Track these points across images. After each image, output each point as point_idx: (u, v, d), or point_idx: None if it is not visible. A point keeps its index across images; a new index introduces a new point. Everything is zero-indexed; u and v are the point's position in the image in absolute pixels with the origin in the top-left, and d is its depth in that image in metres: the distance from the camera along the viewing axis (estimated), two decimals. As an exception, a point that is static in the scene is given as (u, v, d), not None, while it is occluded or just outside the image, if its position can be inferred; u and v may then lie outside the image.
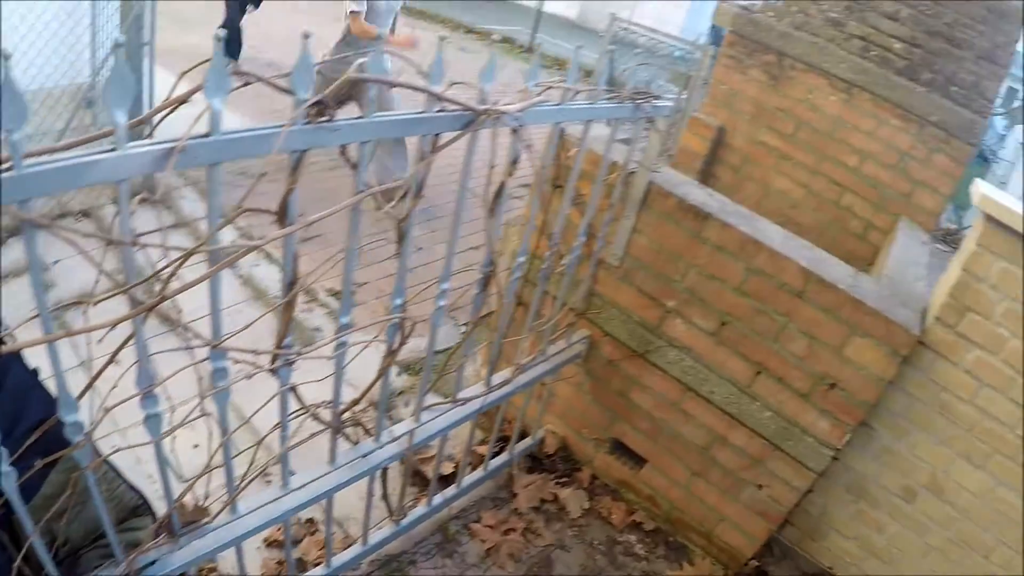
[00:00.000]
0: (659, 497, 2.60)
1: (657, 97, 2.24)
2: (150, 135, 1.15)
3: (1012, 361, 2.26)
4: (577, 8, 18.89)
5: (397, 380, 2.97)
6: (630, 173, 2.33)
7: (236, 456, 1.56)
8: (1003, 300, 2.22)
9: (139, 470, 1.93)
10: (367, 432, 1.88)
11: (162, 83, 1.06)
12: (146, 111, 3.86)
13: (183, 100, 1.05)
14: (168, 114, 1.06)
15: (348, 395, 1.71)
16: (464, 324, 3.16)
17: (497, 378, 2.23)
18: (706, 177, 3.78)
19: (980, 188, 2.23)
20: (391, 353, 1.76)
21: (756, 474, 2.41)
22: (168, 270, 1.11)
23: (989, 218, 2.18)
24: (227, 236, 3.34)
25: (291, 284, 1.37)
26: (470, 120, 1.50)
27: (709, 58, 4.33)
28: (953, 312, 2.26)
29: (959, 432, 2.33)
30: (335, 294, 3.38)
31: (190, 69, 1.08)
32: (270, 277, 3.44)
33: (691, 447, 2.47)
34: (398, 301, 1.68)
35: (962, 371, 2.29)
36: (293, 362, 1.50)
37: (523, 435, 2.58)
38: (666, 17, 16.74)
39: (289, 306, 1.40)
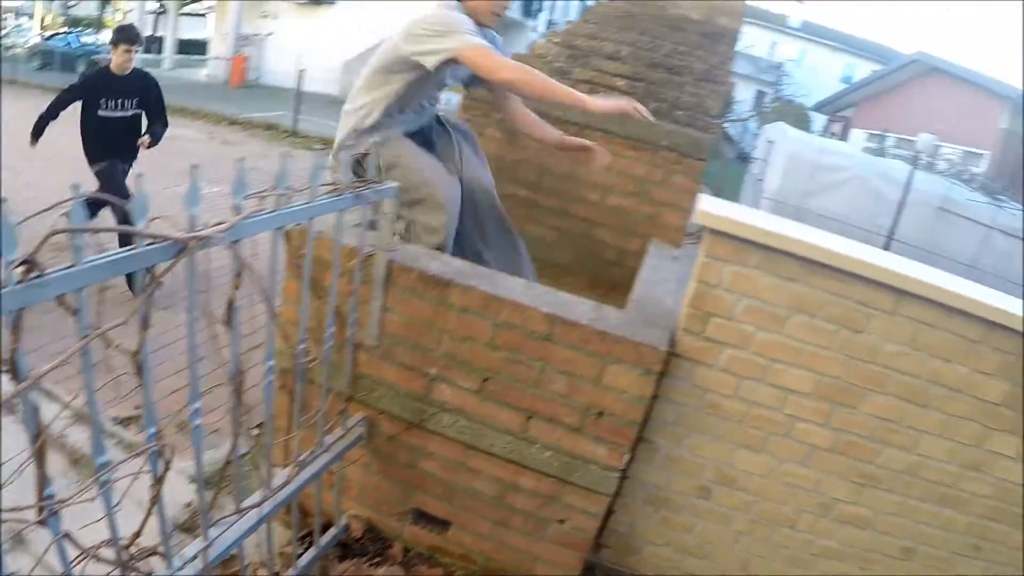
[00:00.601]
0: (472, 553, 2.52)
1: (377, 182, 2.21)
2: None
3: (762, 351, 2.30)
4: (339, 84, 18.89)
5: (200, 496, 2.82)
6: (369, 256, 2.30)
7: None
8: (741, 299, 2.26)
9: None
10: (164, 558, 1.82)
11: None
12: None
13: None
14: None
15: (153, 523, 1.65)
16: (256, 427, 3.09)
17: (279, 479, 2.18)
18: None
19: (699, 204, 2.27)
20: (157, 481, 1.70)
21: (554, 510, 2.36)
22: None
23: (712, 230, 2.23)
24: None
25: (35, 437, 1.32)
26: (181, 248, 1.46)
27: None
28: (697, 321, 2.29)
29: (732, 425, 2.37)
30: (122, 422, 3.13)
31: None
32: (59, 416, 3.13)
33: (487, 500, 2.41)
34: (151, 430, 1.62)
35: (719, 371, 2.32)
36: (57, 511, 1.45)
37: (328, 525, 2.51)
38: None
39: (40, 459, 1.34)
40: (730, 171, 14.76)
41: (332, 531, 2.49)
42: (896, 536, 2.53)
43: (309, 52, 19.01)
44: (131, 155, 4.87)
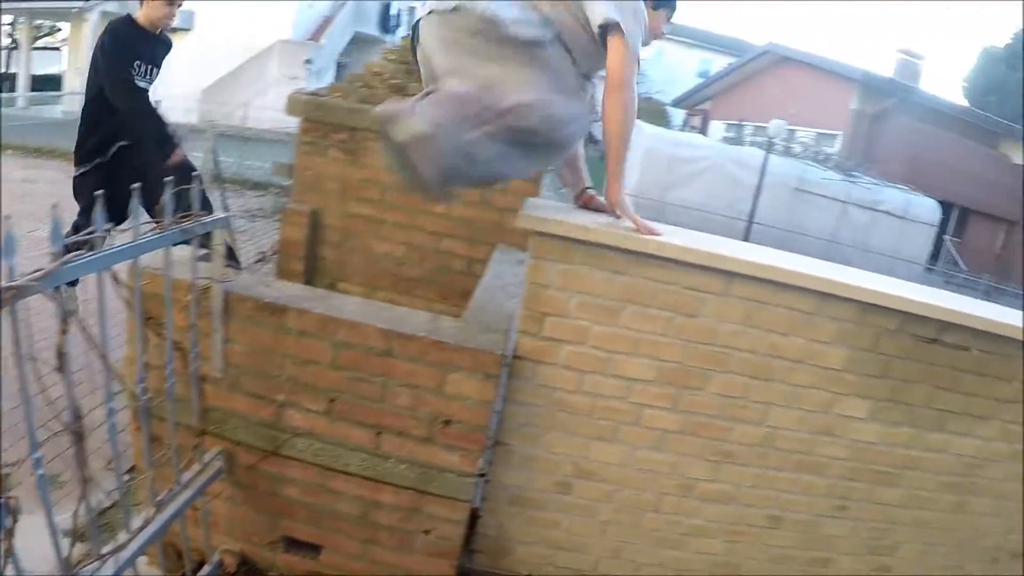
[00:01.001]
0: (346, 574, 2.51)
1: (204, 215, 2.20)
2: None
3: (601, 344, 2.33)
4: (198, 113, 18.63)
5: (76, 549, 2.77)
6: (205, 288, 2.28)
7: None
8: (573, 297, 2.29)
9: None
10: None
11: None
12: None
13: None
14: None
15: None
16: (128, 473, 3.04)
17: (137, 521, 2.15)
18: (314, 261, 3.74)
19: (522, 210, 2.32)
20: (8, 535, 1.68)
21: (418, 522, 2.35)
22: None
23: (535, 232, 2.26)
24: None
25: None
26: (-4, 300, 1.43)
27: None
28: (533, 321, 2.30)
29: (582, 419, 2.37)
30: (-11, 481, 3.05)
31: None
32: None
33: (352, 519, 2.39)
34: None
35: (561, 368, 2.33)
36: None
37: (202, 563, 2.48)
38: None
39: None
40: (593, 170, 15.51)
41: (206, 568, 2.46)
42: (760, 507, 2.59)
43: (166, 81, 18.67)
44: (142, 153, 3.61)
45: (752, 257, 2.38)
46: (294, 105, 3.57)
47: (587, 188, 2.52)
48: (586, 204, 2.49)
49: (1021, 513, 2.87)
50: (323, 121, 3.51)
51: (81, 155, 3.65)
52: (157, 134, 3.64)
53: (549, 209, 2.34)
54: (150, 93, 3.71)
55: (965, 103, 25.40)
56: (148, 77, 3.72)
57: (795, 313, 2.40)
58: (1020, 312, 2.82)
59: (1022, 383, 2.66)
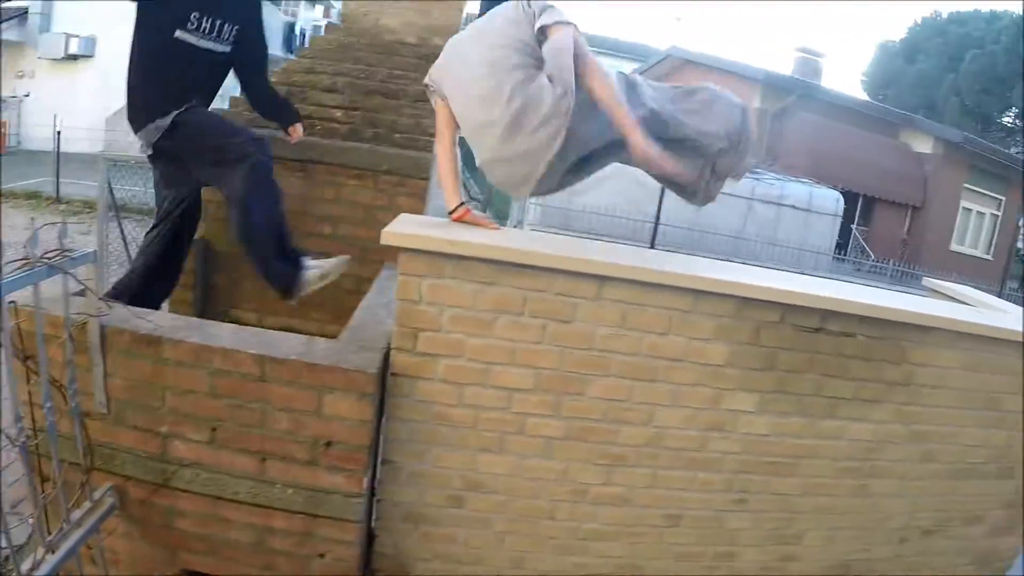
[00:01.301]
0: None
1: (69, 251, 2.24)
2: None
3: (477, 356, 2.36)
4: (101, 142, 18.07)
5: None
6: (82, 323, 2.31)
7: None
8: (444, 310, 2.33)
9: None
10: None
11: None
12: None
13: None
14: None
15: None
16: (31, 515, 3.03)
17: (26, 564, 2.16)
18: (206, 290, 3.71)
19: (388, 227, 2.35)
20: None
21: (312, 546, 2.36)
22: None
23: (401, 248, 2.30)
24: None
25: None
26: None
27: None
28: (407, 338, 2.33)
29: (465, 432, 2.40)
30: None
31: None
32: None
33: (246, 547, 2.40)
34: None
35: (439, 382, 2.36)
36: None
37: (98, 604, 2.50)
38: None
39: None
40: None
41: (106, 607, 2.46)
42: (657, 507, 2.61)
43: (69, 110, 17.62)
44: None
45: (622, 260, 2.43)
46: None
47: (462, 203, 2.55)
48: (461, 218, 2.53)
49: (926, 492, 2.88)
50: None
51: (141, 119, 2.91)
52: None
53: (417, 224, 2.39)
54: (217, 50, 2.93)
55: (865, 96, 25.97)
56: (216, 35, 2.89)
57: (672, 312, 2.44)
58: (903, 295, 2.86)
59: (912, 364, 2.69)
